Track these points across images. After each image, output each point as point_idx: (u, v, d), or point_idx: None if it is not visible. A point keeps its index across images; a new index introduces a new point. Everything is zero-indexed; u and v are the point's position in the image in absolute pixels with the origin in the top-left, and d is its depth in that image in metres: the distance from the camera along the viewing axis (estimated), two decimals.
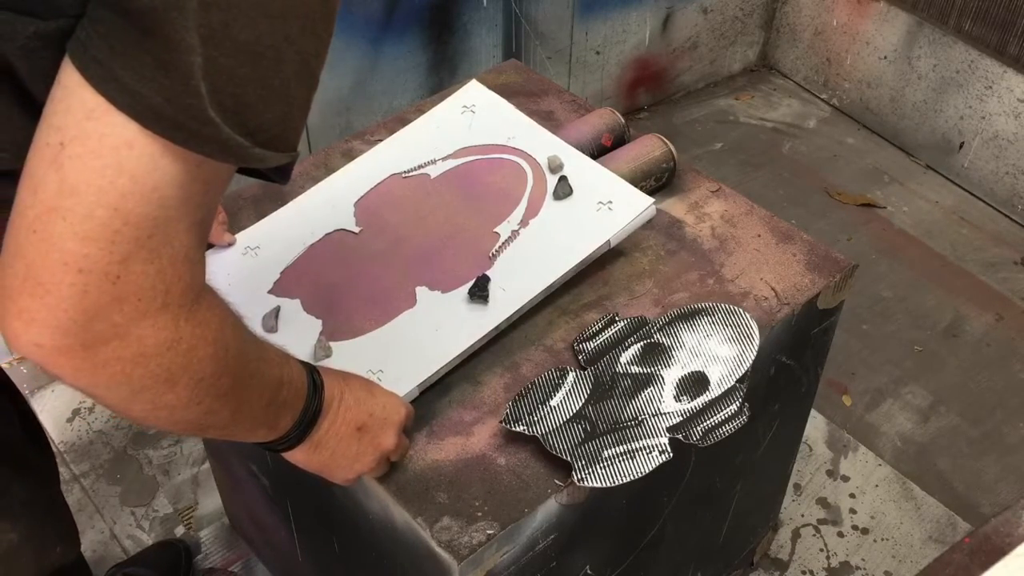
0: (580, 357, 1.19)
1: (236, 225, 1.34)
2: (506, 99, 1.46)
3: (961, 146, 2.66)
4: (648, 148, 1.41)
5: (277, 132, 0.69)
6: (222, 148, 0.65)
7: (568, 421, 1.11)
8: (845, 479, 1.97)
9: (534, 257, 1.25)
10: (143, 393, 0.70)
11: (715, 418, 1.15)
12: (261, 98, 0.66)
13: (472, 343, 1.17)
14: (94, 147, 0.62)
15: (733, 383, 1.17)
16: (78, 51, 0.62)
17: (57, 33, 0.64)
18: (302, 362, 0.91)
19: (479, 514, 1.04)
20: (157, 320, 0.67)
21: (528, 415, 1.11)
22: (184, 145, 0.64)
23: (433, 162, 1.38)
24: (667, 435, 1.11)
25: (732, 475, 1.45)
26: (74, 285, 0.63)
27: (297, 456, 0.93)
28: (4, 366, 1.13)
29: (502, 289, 1.22)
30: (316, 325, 1.20)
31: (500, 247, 1.27)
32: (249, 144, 0.66)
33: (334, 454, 0.95)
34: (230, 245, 1.30)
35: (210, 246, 1.29)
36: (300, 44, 0.67)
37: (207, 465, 1.89)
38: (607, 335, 1.21)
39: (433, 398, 1.15)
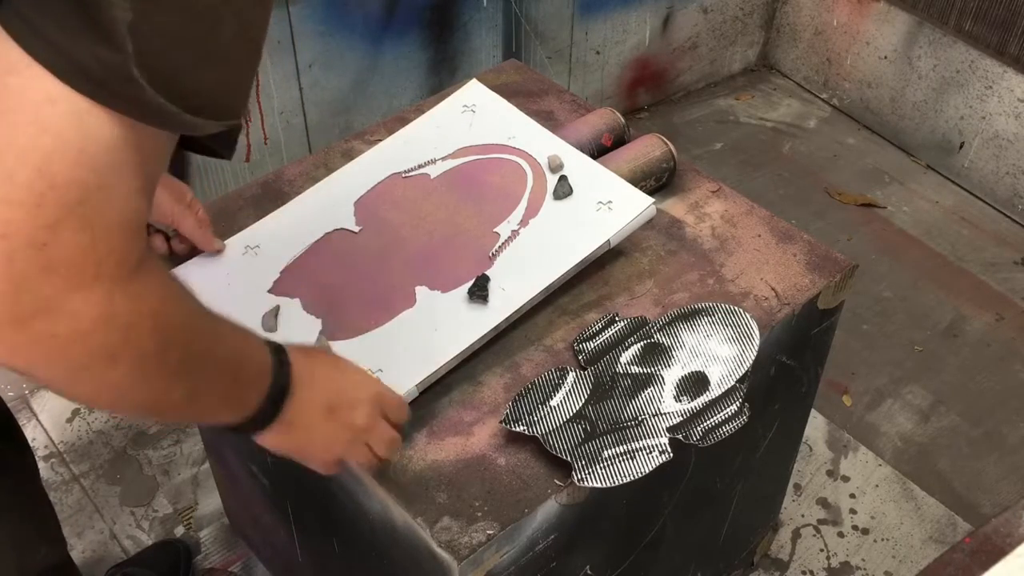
0: (580, 357, 1.19)
1: (236, 225, 1.34)
2: (506, 99, 1.45)
3: (961, 146, 2.66)
4: (648, 148, 1.41)
5: (215, 98, 0.66)
6: (146, 111, 0.62)
7: (568, 421, 1.11)
8: (845, 479, 1.97)
9: (534, 257, 1.25)
10: (84, 372, 0.67)
11: (715, 418, 1.15)
12: (197, 61, 0.63)
13: (472, 343, 1.17)
14: (15, 103, 0.59)
15: (733, 383, 1.17)
16: (4, 10, 0.59)
17: None
18: (267, 340, 0.88)
19: (479, 514, 1.04)
20: (90, 294, 0.63)
21: (528, 415, 1.11)
22: (107, 104, 0.60)
23: (433, 162, 1.38)
24: (667, 435, 1.11)
25: (732, 475, 1.45)
26: None
27: (268, 439, 0.90)
28: None
29: (502, 289, 1.22)
30: (316, 324, 1.20)
31: (500, 247, 1.26)
32: (178, 110, 0.63)
33: (308, 434, 0.92)
34: (219, 252, 1.28)
35: (199, 253, 1.28)
36: (239, 6, 0.64)
37: (207, 465, 1.89)
38: (607, 335, 1.21)
39: (433, 398, 1.15)
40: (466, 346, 1.16)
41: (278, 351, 0.88)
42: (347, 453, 0.97)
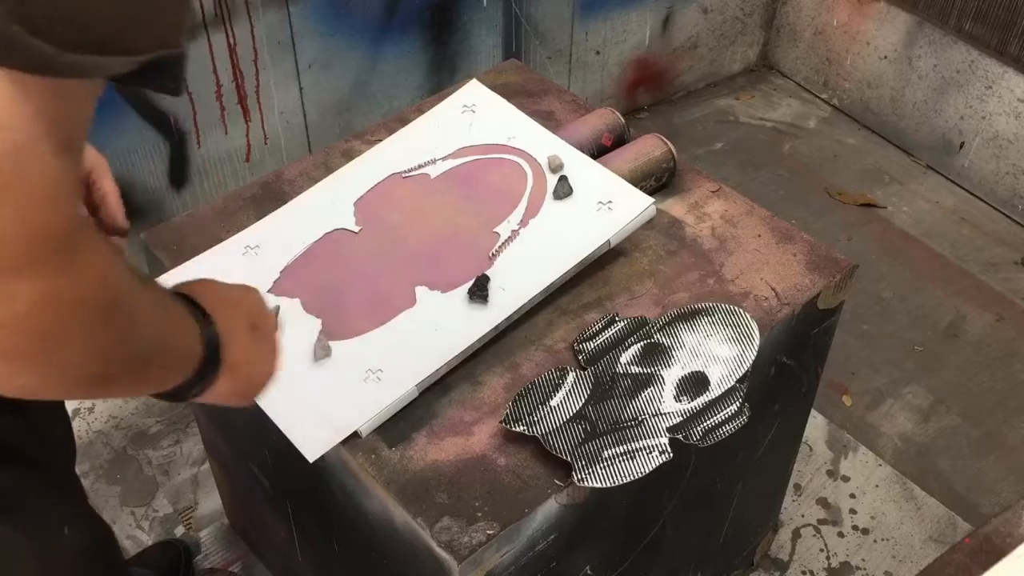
0: (580, 357, 1.19)
1: (236, 224, 1.34)
2: (506, 99, 1.46)
3: (961, 146, 2.66)
4: (648, 148, 1.41)
5: (121, 27, 0.55)
6: (28, 59, 0.52)
7: (568, 421, 1.11)
8: (845, 479, 1.97)
9: (534, 257, 1.25)
10: (27, 360, 0.58)
11: (715, 418, 1.15)
12: None
13: (472, 343, 1.17)
14: None
15: (733, 383, 1.17)
16: None
17: None
18: (172, 290, 0.78)
19: (479, 514, 1.04)
20: (28, 273, 0.54)
21: (528, 415, 1.11)
22: None
23: (433, 162, 1.38)
24: (667, 435, 1.11)
25: (732, 475, 1.45)
26: None
27: (220, 390, 0.80)
28: None
29: (502, 289, 1.22)
30: (316, 324, 1.20)
31: (500, 247, 1.26)
32: (55, 51, 0.52)
33: (251, 365, 0.84)
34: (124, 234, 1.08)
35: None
36: None
37: (207, 465, 1.89)
38: (607, 335, 1.21)
39: (433, 398, 1.15)
40: (466, 346, 1.16)
41: (189, 302, 0.78)
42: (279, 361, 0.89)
